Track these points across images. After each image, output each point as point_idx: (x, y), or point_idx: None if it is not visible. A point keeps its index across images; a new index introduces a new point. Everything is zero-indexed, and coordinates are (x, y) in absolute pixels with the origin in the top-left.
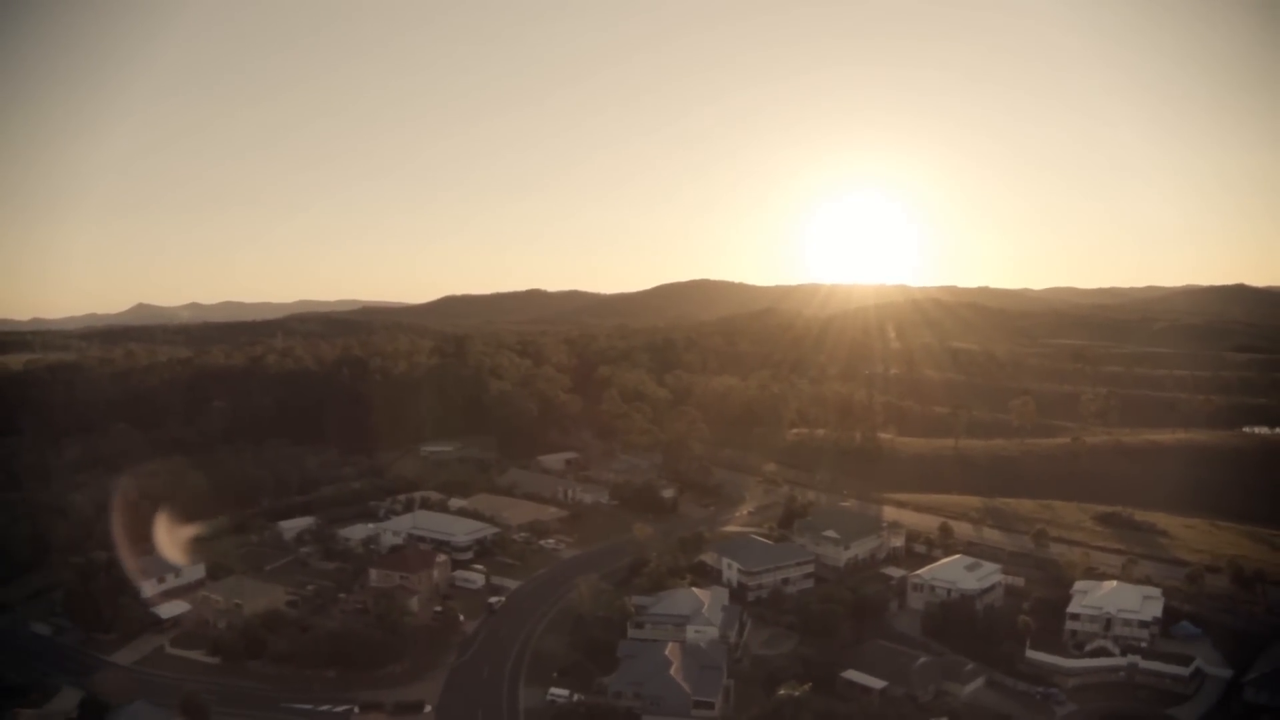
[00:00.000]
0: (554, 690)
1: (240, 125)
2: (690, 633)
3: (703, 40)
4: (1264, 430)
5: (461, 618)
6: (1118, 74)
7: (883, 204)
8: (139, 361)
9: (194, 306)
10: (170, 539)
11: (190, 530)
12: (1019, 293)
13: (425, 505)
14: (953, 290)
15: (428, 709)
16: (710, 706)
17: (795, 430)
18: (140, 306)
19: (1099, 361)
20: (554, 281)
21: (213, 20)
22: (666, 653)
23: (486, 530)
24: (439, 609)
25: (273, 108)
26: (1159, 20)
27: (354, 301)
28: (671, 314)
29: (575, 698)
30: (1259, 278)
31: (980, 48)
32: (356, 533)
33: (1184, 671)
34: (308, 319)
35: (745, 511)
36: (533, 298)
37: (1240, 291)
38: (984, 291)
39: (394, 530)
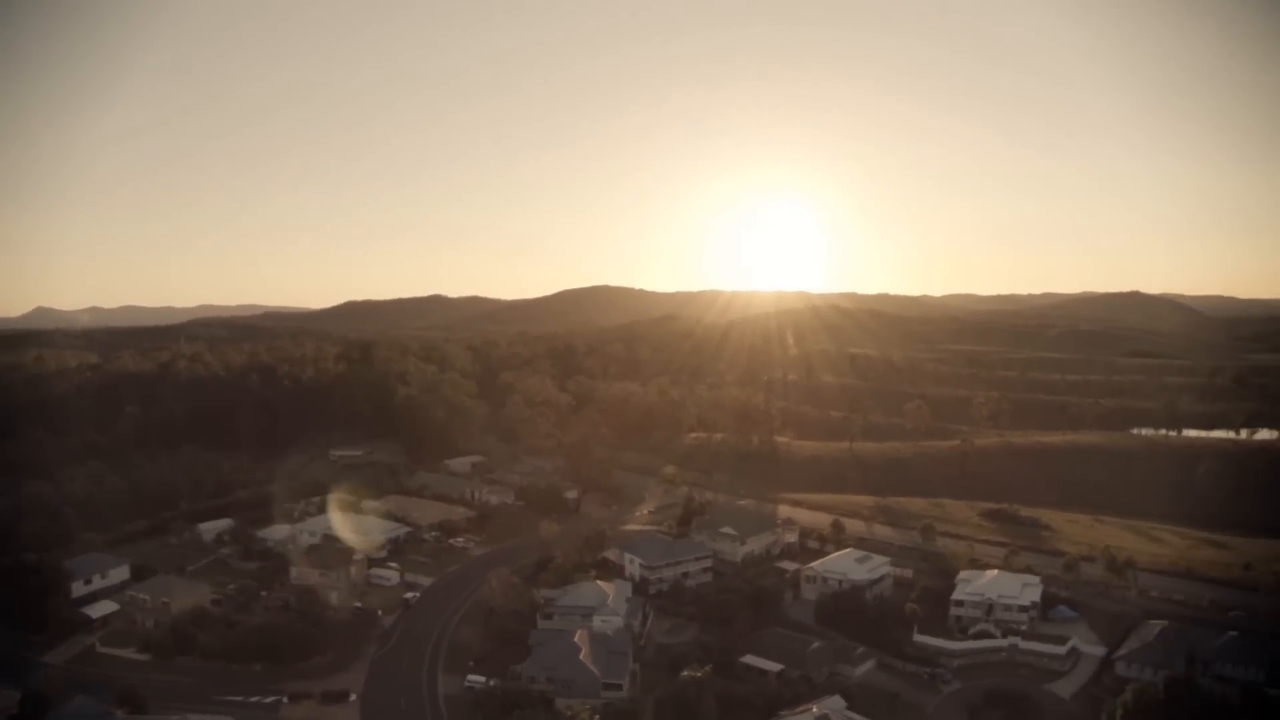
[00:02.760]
0: (471, 677)
1: (132, 127)
2: (597, 622)
3: (605, 51)
4: (1150, 431)
5: (380, 612)
6: (1013, 83)
7: (784, 211)
8: (48, 367)
9: (94, 310)
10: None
11: (112, 533)
12: (919, 299)
13: (339, 507)
14: (853, 297)
15: (353, 697)
16: (619, 688)
17: (694, 434)
18: (39, 310)
19: (993, 366)
20: (455, 287)
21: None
22: (575, 639)
23: (399, 530)
24: (358, 604)
25: (159, 110)
26: (1051, 28)
27: (256, 306)
28: (572, 320)
29: (491, 683)
30: (1153, 284)
31: (880, 57)
32: (275, 533)
33: (1060, 650)
34: (210, 324)
35: (646, 511)
36: (434, 303)
37: (1135, 298)
38: (884, 298)
39: (310, 531)
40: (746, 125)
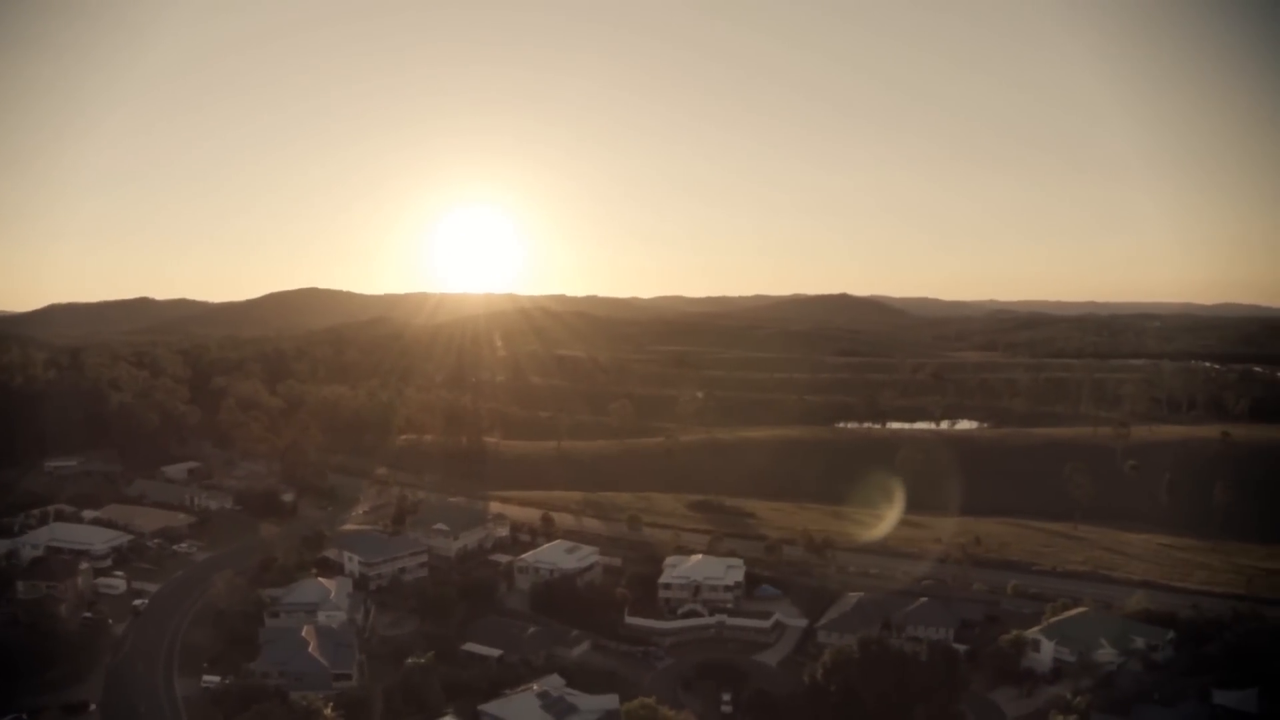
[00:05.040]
0: (206, 678)
1: None
2: (321, 618)
3: (311, 53)
4: (854, 425)
5: (110, 621)
6: (726, 86)
7: (494, 214)
8: None
9: None
10: None
11: None
12: (628, 301)
13: (60, 518)
14: (562, 299)
15: (92, 707)
16: (348, 678)
17: (405, 436)
18: None
19: (701, 366)
20: (162, 289)
21: None
22: (303, 634)
23: (122, 538)
24: (88, 614)
25: None
26: (765, 30)
27: None
28: (281, 323)
29: (226, 681)
30: (861, 287)
31: (589, 56)
32: None
33: (765, 624)
34: None
35: (361, 511)
36: (141, 306)
37: (843, 300)
38: (592, 300)
39: (32, 544)
40: (456, 128)
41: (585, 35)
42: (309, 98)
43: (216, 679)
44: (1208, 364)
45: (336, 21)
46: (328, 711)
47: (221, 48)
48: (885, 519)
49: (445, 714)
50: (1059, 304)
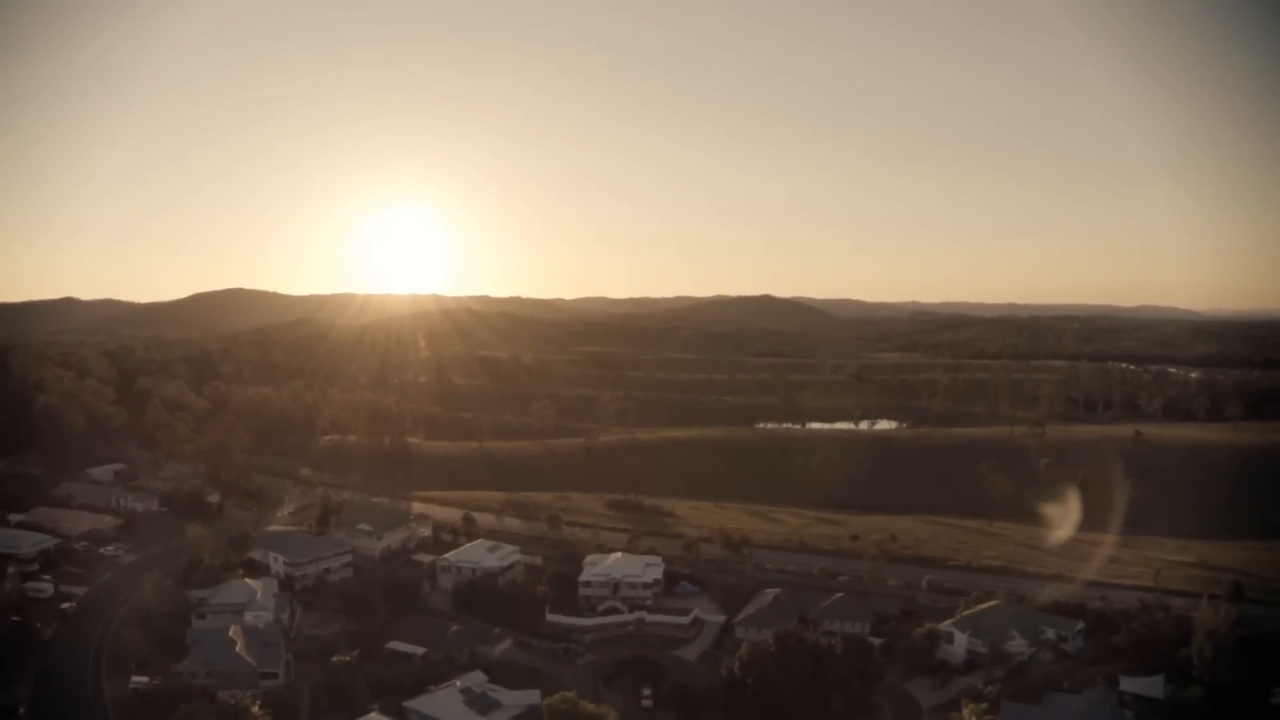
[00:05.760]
0: (135, 679)
1: None
2: (248, 618)
3: (237, 52)
4: (773, 425)
5: (38, 625)
6: (646, 90)
7: (419, 215)
8: None
9: None
10: None
11: None
12: (551, 302)
13: None
14: (486, 300)
15: (21, 711)
16: (275, 676)
17: (329, 437)
18: None
19: (622, 367)
20: (88, 289)
21: None
22: (230, 634)
23: (49, 541)
24: (15, 619)
25: None
26: (683, 27)
27: None
28: (207, 324)
29: (155, 682)
30: (783, 288)
31: (512, 57)
32: None
33: (684, 620)
34: None
35: (286, 512)
36: (66, 306)
37: (765, 301)
38: (516, 301)
39: None
40: (380, 128)
41: (508, 35)
42: (233, 97)
43: (145, 680)
44: (1124, 365)
45: (258, 20)
46: (255, 710)
47: (141, 44)
48: (801, 517)
49: (370, 711)
50: (980, 306)
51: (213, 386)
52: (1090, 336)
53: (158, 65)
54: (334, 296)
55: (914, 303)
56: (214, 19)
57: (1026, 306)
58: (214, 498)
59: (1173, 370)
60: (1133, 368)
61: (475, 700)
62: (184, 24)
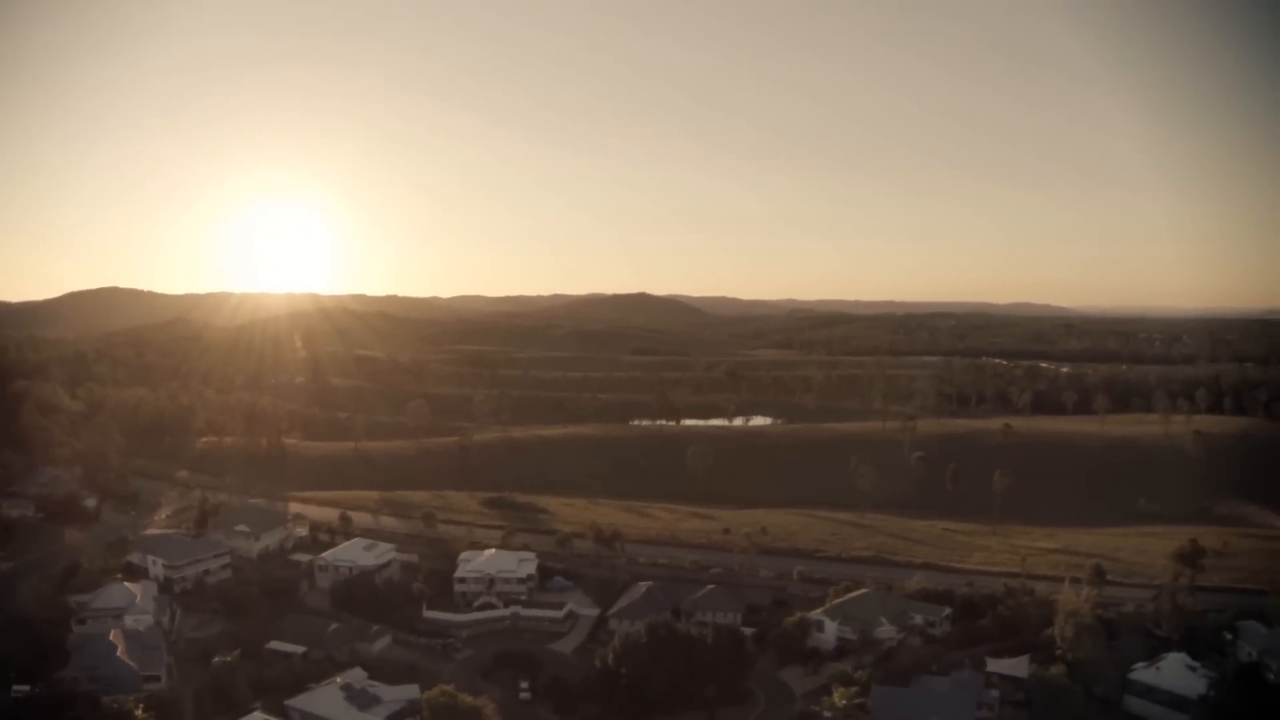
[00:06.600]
0: (16, 687)
1: None
2: (128, 622)
3: (111, 45)
4: (646, 422)
5: None
6: (523, 89)
7: (294, 212)
8: None
9: None
10: None
11: None
12: (427, 301)
13: None
14: (362, 299)
15: None
16: (157, 679)
17: (205, 438)
18: None
19: (497, 366)
20: None
21: None
22: (111, 639)
23: None
24: None
25: None
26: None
27: None
28: (81, 324)
29: (37, 690)
30: (659, 287)
31: (397, 60)
32: None
33: (559, 614)
34: None
35: (164, 515)
36: None
37: (641, 299)
38: (392, 300)
39: None
40: (255, 126)
41: (383, 33)
42: (105, 91)
43: (26, 688)
44: (997, 360)
45: (133, 10)
46: (139, 713)
47: (12, 39)
48: (674, 512)
49: (253, 711)
50: (858, 304)
51: (88, 388)
52: (965, 333)
53: (21, 58)
54: (210, 295)
55: (791, 301)
56: (81, 7)
57: (903, 304)
58: (91, 502)
59: (1044, 365)
60: (1005, 363)
61: (356, 696)
62: (51, 13)
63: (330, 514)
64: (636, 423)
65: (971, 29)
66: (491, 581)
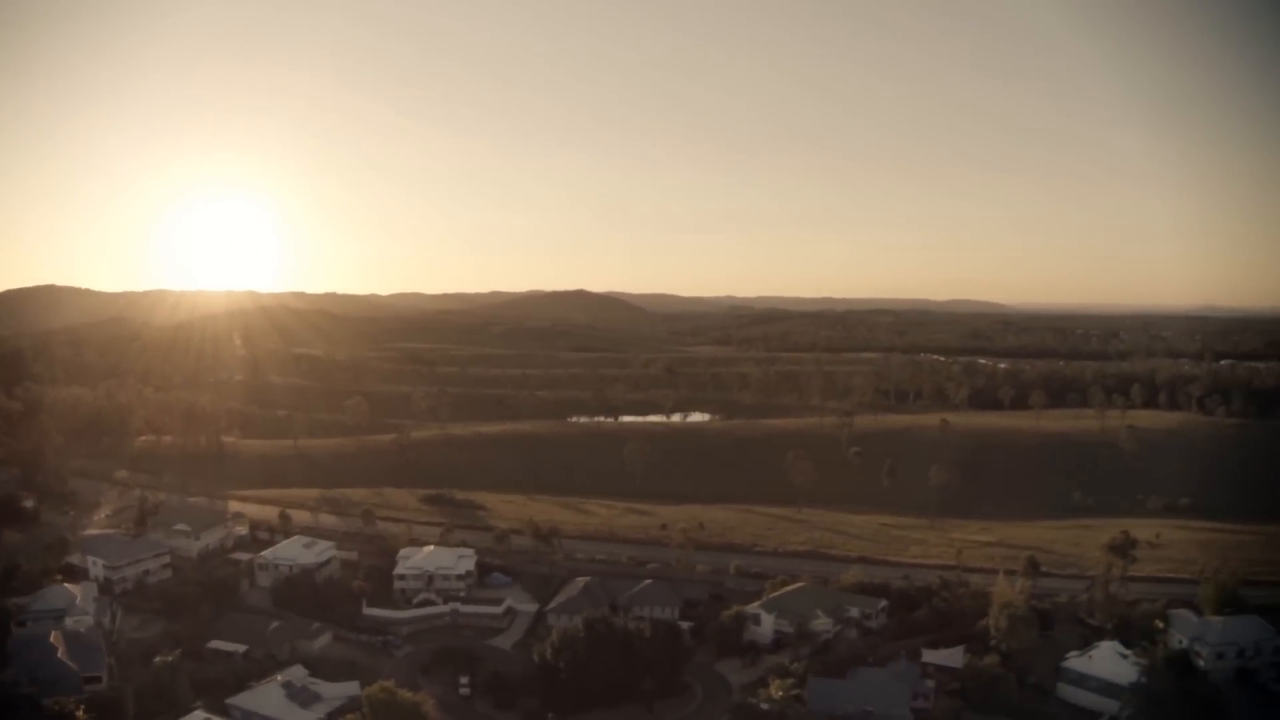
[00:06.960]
0: None
1: None
2: (69, 623)
3: (42, 42)
4: (584, 419)
5: None
6: (466, 80)
7: (233, 208)
8: None
9: None
10: None
11: None
12: (367, 298)
13: None
14: (302, 296)
15: None
16: (99, 680)
17: (144, 437)
18: None
19: (435, 363)
20: None
21: None
22: (51, 640)
23: None
24: None
25: None
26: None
27: None
28: (17, 323)
29: None
30: (598, 284)
31: (325, 57)
32: None
33: (498, 610)
34: None
35: (103, 515)
36: None
37: (581, 296)
38: (331, 297)
39: None
40: (192, 122)
41: (317, 27)
42: (40, 86)
43: None
44: (935, 356)
45: (71, 11)
46: (80, 715)
47: None
48: (611, 508)
49: (194, 710)
50: (797, 300)
51: (25, 387)
52: (903, 330)
53: None
54: (148, 294)
55: (730, 297)
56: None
57: (842, 301)
58: (29, 502)
59: (982, 361)
60: (942, 359)
61: (297, 694)
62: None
63: (270, 512)
64: (575, 420)
65: (880, 28)
66: (430, 578)
